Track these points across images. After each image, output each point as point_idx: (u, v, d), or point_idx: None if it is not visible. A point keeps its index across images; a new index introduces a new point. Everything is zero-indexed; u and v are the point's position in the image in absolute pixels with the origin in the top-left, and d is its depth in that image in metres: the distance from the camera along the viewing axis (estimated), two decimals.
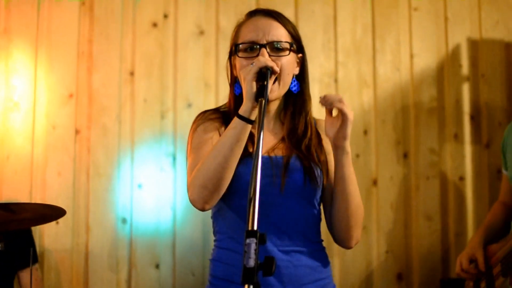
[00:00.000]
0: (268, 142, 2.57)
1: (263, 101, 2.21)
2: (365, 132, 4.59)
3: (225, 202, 2.53)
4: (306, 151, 2.54)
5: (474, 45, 4.72)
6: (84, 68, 4.49)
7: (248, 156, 2.47)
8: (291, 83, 2.56)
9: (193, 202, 2.42)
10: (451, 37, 4.71)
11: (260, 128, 2.05)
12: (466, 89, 4.69)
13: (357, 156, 4.55)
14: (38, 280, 4.04)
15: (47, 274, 4.32)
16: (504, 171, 3.86)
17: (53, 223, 4.31)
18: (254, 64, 2.35)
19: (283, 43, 2.51)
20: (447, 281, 4.39)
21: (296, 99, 2.62)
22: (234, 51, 2.58)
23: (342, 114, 2.36)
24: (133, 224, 4.42)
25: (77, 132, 4.44)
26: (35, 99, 4.45)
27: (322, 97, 2.38)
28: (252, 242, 1.78)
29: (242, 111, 2.33)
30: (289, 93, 2.60)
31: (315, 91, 4.51)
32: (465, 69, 4.70)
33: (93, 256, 4.37)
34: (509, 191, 3.86)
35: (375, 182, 4.57)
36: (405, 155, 4.61)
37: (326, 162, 2.58)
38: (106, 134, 4.45)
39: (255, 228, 1.83)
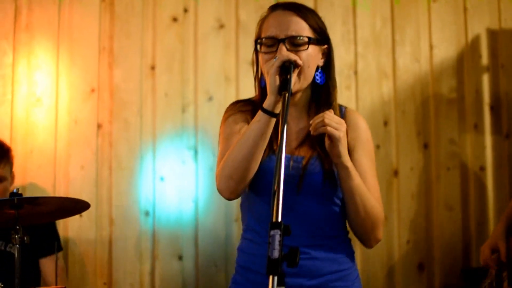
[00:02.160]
0: (293, 139, 2.60)
1: (286, 94, 2.24)
2: (385, 123, 4.60)
3: (250, 195, 2.60)
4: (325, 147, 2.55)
5: (494, 35, 4.71)
6: (105, 63, 4.53)
7: (273, 153, 2.51)
8: (316, 75, 2.58)
9: (220, 191, 2.49)
10: (470, 28, 4.71)
11: (284, 121, 2.08)
12: (485, 79, 4.69)
13: (378, 147, 4.56)
14: (60, 268, 4.08)
15: (72, 267, 4.37)
16: None
17: (77, 216, 4.34)
18: (277, 58, 2.38)
19: (301, 37, 2.52)
20: (468, 271, 4.39)
21: (322, 91, 2.63)
22: (256, 47, 2.61)
23: (328, 135, 2.41)
24: (156, 216, 4.45)
25: (99, 126, 4.48)
26: (57, 94, 4.49)
27: (310, 123, 2.44)
28: (277, 234, 1.82)
29: (266, 104, 2.37)
30: (315, 85, 2.62)
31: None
32: (484, 59, 4.70)
33: (116, 248, 4.42)
34: None
35: (396, 173, 4.58)
36: (426, 146, 4.62)
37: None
38: (128, 128, 4.49)
39: (279, 220, 1.86)
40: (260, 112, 2.39)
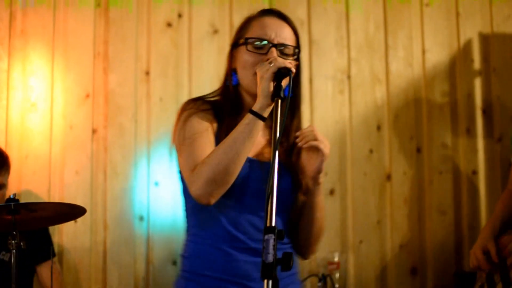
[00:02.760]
0: (258, 143, 2.56)
1: (279, 100, 2.25)
2: (378, 128, 4.63)
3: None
4: (295, 160, 2.56)
5: (486, 39, 4.74)
6: (100, 68, 4.54)
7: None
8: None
9: (199, 196, 2.36)
10: (462, 32, 4.74)
11: (280, 126, 2.10)
12: (478, 83, 4.72)
13: (371, 151, 4.58)
14: (56, 273, 4.08)
15: (66, 272, 4.38)
16: None
17: (72, 221, 4.33)
18: (273, 64, 2.37)
19: (293, 48, 2.55)
20: (461, 274, 4.41)
21: (291, 104, 2.57)
22: (241, 43, 2.59)
23: (318, 151, 2.42)
24: (150, 221, 4.46)
25: (94, 131, 4.49)
26: (52, 99, 4.50)
27: (298, 134, 2.46)
28: (271, 238, 1.84)
29: (256, 108, 2.35)
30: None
31: (329, 88, 4.59)
32: (476, 63, 4.73)
33: (111, 253, 4.42)
34: None
35: (388, 177, 4.60)
36: (418, 150, 4.64)
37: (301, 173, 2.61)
38: (123, 133, 4.50)
39: (273, 224, 1.88)
40: (249, 115, 2.36)
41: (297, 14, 4.60)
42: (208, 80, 4.53)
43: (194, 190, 2.37)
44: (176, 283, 2.61)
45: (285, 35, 2.55)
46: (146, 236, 4.45)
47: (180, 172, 2.55)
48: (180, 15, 4.60)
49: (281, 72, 2.35)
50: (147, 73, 4.56)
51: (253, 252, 2.46)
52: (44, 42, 4.54)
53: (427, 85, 4.69)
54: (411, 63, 4.69)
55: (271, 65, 2.36)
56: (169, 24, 4.59)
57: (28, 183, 4.42)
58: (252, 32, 2.57)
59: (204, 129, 2.51)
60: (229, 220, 2.48)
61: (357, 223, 4.58)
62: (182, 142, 2.50)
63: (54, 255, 4.17)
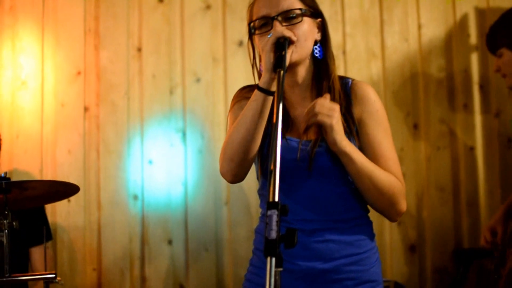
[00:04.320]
0: (301, 122, 2.51)
1: (281, 71, 2.19)
2: None
3: (262, 180, 2.61)
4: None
5: (482, 14, 4.68)
6: (91, 45, 4.48)
7: (283, 138, 2.46)
8: (315, 49, 2.54)
9: (222, 175, 2.46)
10: (458, 6, 4.67)
11: (280, 99, 2.03)
12: (474, 58, 4.66)
13: None
14: (49, 257, 4.04)
15: (60, 252, 4.33)
16: None
17: (65, 201, 4.32)
18: (271, 34, 2.33)
19: (294, 10, 2.48)
20: (460, 251, 4.38)
21: (321, 65, 2.58)
22: (250, 31, 2.56)
23: (321, 125, 2.38)
24: (145, 200, 4.42)
25: (86, 109, 4.43)
26: (43, 77, 4.44)
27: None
28: (274, 214, 1.78)
29: (261, 82, 2.32)
30: (316, 60, 2.57)
31: None
32: (473, 38, 4.67)
33: (105, 233, 4.38)
34: None
35: None
36: (415, 126, 4.59)
37: (356, 129, 2.53)
38: (115, 111, 4.44)
39: (276, 199, 1.83)
40: (256, 91, 2.34)
41: None
42: (201, 56, 4.47)
43: (220, 170, 2.47)
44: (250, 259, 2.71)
45: (284, 3, 2.48)
46: (141, 215, 4.41)
47: None
48: None
49: (280, 42, 2.30)
50: (139, 49, 4.49)
51: (302, 231, 2.45)
52: (34, 18, 4.47)
53: (423, 60, 4.63)
54: (407, 38, 4.63)
55: (269, 37, 2.32)
56: (160, 0, 4.51)
57: (20, 162, 4.37)
58: (255, 15, 2.54)
59: None
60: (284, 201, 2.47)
61: None
62: (229, 126, 2.60)
63: (50, 238, 4.12)
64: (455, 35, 4.65)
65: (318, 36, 2.57)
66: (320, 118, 2.34)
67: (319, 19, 2.58)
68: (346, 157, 2.40)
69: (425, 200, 4.55)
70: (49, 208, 4.30)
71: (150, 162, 4.41)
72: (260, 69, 2.55)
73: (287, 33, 2.34)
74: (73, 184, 3.16)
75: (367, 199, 2.50)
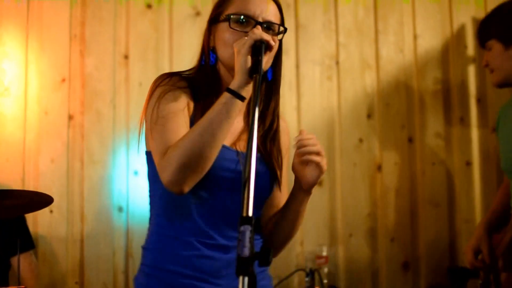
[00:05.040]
0: (235, 129, 2.40)
1: (258, 77, 2.06)
2: (369, 116, 4.46)
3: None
4: (270, 148, 2.45)
5: None
6: (77, 51, 4.34)
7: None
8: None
9: (170, 184, 2.16)
10: (455, 17, 4.58)
11: (255, 105, 1.89)
12: (472, 71, 4.56)
13: (361, 141, 4.43)
14: (33, 265, 3.92)
15: (41, 264, 4.17)
16: None
17: (47, 211, 4.17)
18: (249, 36, 2.20)
19: (277, 25, 2.37)
20: (455, 269, 4.25)
21: (267, 88, 2.47)
22: (222, 20, 2.40)
23: (317, 166, 2.30)
24: (130, 212, 4.28)
25: (70, 117, 4.29)
26: (27, 84, 4.29)
27: (297, 139, 2.30)
28: (247, 230, 1.64)
29: (234, 86, 2.16)
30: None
31: (316, 74, 4.42)
32: (470, 50, 4.57)
33: (88, 245, 4.23)
34: None
35: (379, 168, 4.44)
36: (410, 140, 4.48)
37: (280, 165, 2.51)
38: (100, 120, 4.30)
39: (250, 214, 1.68)
40: (226, 94, 2.17)
41: None
42: (189, 65, 4.27)
43: (165, 177, 2.16)
44: (136, 278, 2.45)
45: (270, 12, 2.37)
46: (126, 227, 4.27)
47: (147, 154, 2.38)
48: None
49: (259, 46, 2.17)
50: (126, 56, 4.36)
51: (222, 249, 2.32)
52: (18, 23, 4.33)
53: (419, 72, 4.53)
54: (402, 48, 4.52)
55: (247, 38, 2.18)
56: (149, 6, 4.40)
57: (1, 171, 4.22)
58: (234, 8, 2.37)
59: (180, 109, 2.31)
60: (200, 213, 2.31)
61: (347, 216, 4.42)
62: (155, 121, 2.30)
63: (32, 246, 3.99)
64: (452, 46, 4.56)
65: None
66: (323, 164, 2.31)
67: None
68: (307, 198, 2.43)
69: (420, 216, 4.44)
70: (30, 218, 4.14)
71: (136, 173, 4.28)
72: (211, 58, 2.42)
73: (266, 36, 2.20)
74: (46, 195, 3.02)
75: (281, 235, 2.53)
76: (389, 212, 4.45)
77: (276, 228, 2.52)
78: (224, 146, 2.29)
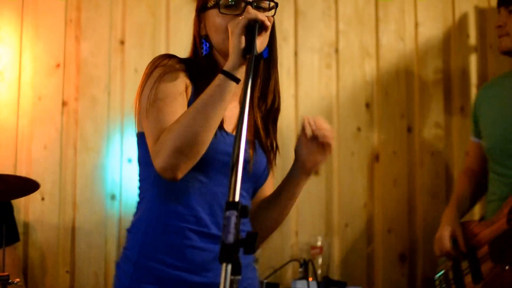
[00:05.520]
0: (234, 114, 2.32)
1: (252, 57, 1.99)
2: (367, 105, 4.40)
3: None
4: (272, 131, 2.41)
5: (482, 14, 4.51)
6: (72, 36, 4.27)
7: (220, 130, 2.25)
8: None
9: (163, 169, 2.07)
10: (458, 5, 4.50)
11: (246, 87, 1.83)
12: (473, 60, 4.49)
13: (359, 129, 4.37)
14: (16, 259, 3.83)
15: (32, 252, 4.12)
16: (473, 138, 3.73)
17: (39, 199, 4.11)
18: (243, 16, 2.13)
19: (268, 1, 2.29)
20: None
21: (265, 65, 2.39)
22: (211, 6, 2.33)
23: (326, 147, 2.25)
24: (123, 200, 4.21)
25: (64, 103, 4.22)
26: (21, 69, 4.22)
27: (311, 121, 2.23)
28: (233, 215, 1.57)
29: (228, 67, 2.08)
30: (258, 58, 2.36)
31: (315, 61, 4.35)
32: (472, 39, 4.50)
33: (80, 234, 4.17)
34: (478, 158, 3.72)
35: (377, 158, 4.38)
36: (409, 129, 4.41)
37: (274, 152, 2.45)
38: (95, 106, 4.24)
39: (237, 199, 1.62)
40: (220, 76, 2.09)
41: None
42: (186, 50, 4.20)
43: (158, 163, 2.08)
44: (118, 264, 2.33)
45: None
46: (118, 216, 4.21)
47: (139, 135, 2.29)
48: None
49: (253, 26, 2.10)
50: (122, 42, 4.30)
51: (213, 239, 2.23)
52: (13, 7, 4.26)
53: (419, 60, 4.46)
54: (403, 37, 4.45)
55: (241, 18, 2.11)
56: None
57: None
58: None
59: (178, 92, 2.22)
60: (197, 198, 2.23)
61: (343, 206, 4.36)
62: (152, 103, 2.19)
63: (17, 239, 3.91)
64: (453, 35, 4.49)
65: None
66: (333, 144, 2.27)
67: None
68: (305, 181, 2.38)
69: (417, 206, 4.39)
70: (21, 205, 4.09)
71: (130, 160, 4.21)
72: (204, 47, 2.34)
73: (261, 16, 2.12)
74: (32, 180, 2.95)
75: (271, 218, 2.46)
76: (387, 202, 4.38)
77: (264, 213, 2.44)
78: (224, 131, 2.25)
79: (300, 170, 2.33)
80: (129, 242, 2.31)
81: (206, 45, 2.35)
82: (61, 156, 4.20)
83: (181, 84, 2.25)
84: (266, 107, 2.40)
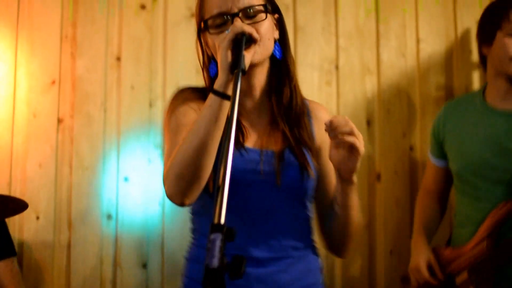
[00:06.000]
0: (258, 129, 2.28)
1: (239, 72, 1.92)
2: (368, 123, 4.31)
3: (210, 198, 2.23)
4: (297, 136, 2.30)
5: None
6: (68, 52, 4.22)
7: (241, 148, 2.20)
8: (274, 48, 2.29)
9: (170, 196, 2.09)
10: (460, 21, 4.42)
11: (233, 102, 1.76)
12: (476, 77, 4.40)
13: None
14: (14, 272, 3.77)
15: (26, 272, 4.04)
16: (433, 159, 3.73)
17: (33, 217, 4.05)
18: (229, 30, 2.06)
19: (256, 6, 2.22)
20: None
21: (280, 66, 2.34)
22: (203, 28, 2.29)
23: (351, 148, 2.12)
24: (119, 220, 4.14)
25: (59, 121, 4.16)
26: (15, 85, 4.17)
27: (328, 122, 2.12)
28: (217, 238, 1.49)
29: (217, 85, 2.03)
30: (273, 62, 2.32)
31: (315, 78, 4.28)
32: (475, 55, 4.39)
33: (75, 253, 4.09)
34: (438, 179, 3.73)
35: (378, 177, 4.29)
36: (411, 148, 4.33)
37: (317, 153, 2.35)
38: (91, 123, 4.17)
39: (222, 221, 1.54)
40: (211, 96, 2.04)
41: None
42: (183, 67, 4.21)
43: (166, 190, 2.10)
44: None
45: None
46: (114, 236, 4.13)
47: None
48: None
49: (239, 39, 2.03)
50: (118, 58, 4.23)
51: (255, 262, 2.20)
52: (7, 22, 4.21)
53: (421, 77, 4.37)
54: (404, 53, 4.37)
55: (228, 32, 2.04)
56: (143, 6, 4.26)
57: None
58: (208, 11, 2.26)
59: (189, 121, 2.23)
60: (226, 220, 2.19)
61: None
62: (167, 134, 2.27)
63: (13, 253, 3.85)
64: (456, 51, 4.40)
65: (276, 34, 2.34)
66: (358, 143, 2.12)
67: (276, 15, 2.35)
68: (351, 187, 2.22)
69: None
70: (16, 224, 4.03)
71: (126, 179, 4.13)
72: (210, 72, 2.29)
73: (248, 29, 2.06)
74: (21, 200, 2.89)
75: (337, 232, 2.33)
76: (389, 223, 4.29)
77: (328, 225, 2.37)
78: (244, 147, 2.22)
79: (339, 180, 2.23)
80: (185, 268, 2.47)
81: (214, 66, 2.34)
82: (56, 174, 4.13)
83: (192, 114, 2.26)
84: (280, 103, 2.34)
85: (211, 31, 2.23)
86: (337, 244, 2.39)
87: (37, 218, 4.08)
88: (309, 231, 2.39)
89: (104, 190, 4.16)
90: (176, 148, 2.09)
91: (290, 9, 4.31)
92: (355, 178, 2.22)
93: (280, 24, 2.35)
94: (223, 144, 1.66)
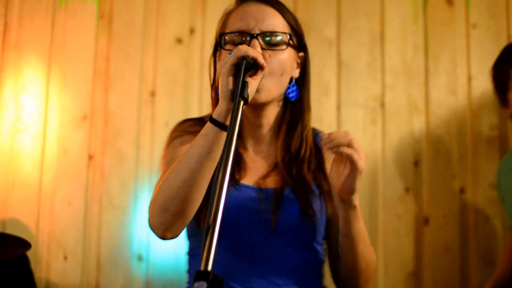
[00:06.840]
0: (259, 167, 2.10)
1: (236, 100, 1.72)
2: (416, 164, 4.10)
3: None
4: (299, 177, 2.09)
5: None
6: (101, 87, 4.12)
7: (235, 184, 2.00)
8: (289, 88, 2.09)
9: (152, 227, 1.92)
10: None
11: (230, 134, 1.56)
12: None
13: (407, 190, 4.07)
14: None
15: None
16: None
17: (61, 258, 3.95)
18: (232, 53, 1.86)
19: (279, 33, 2.03)
20: None
21: (293, 109, 2.15)
22: (219, 43, 2.10)
23: (350, 162, 1.90)
24: (150, 261, 4.00)
25: (90, 157, 4.05)
26: (46, 120, 4.09)
27: (325, 136, 1.91)
28: (202, 287, 1.29)
29: (216, 113, 1.83)
30: (286, 103, 2.13)
31: (359, 117, 4.09)
32: None
33: None
34: None
35: (426, 221, 4.07)
36: (462, 191, 4.10)
37: (329, 192, 2.12)
38: (122, 161, 4.06)
39: (209, 267, 1.33)
40: (208, 124, 1.85)
41: (325, 32, 4.14)
42: None
43: (149, 219, 1.93)
44: None
45: (269, 21, 2.05)
46: (145, 278, 3.98)
47: None
48: (192, 30, 4.16)
49: (240, 64, 1.83)
50: (153, 93, 4.12)
51: None
52: (40, 55, 4.15)
53: (473, 116, 4.16)
54: (454, 91, 4.17)
55: (230, 56, 1.84)
56: (179, 40, 4.15)
57: (15, 213, 4.02)
58: (229, 27, 2.09)
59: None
60: (221, 265, 2.00)
61: (390, 274, 4.05)
62: (162, 166, 2.16)
63: None
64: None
65: (296, 73, 2.15)
66: (356, 156, 1.88)
67: (302, 53, 2.16)
68: (354, 212, 2.00)
69: (471, 274, 4.04)
70: (43, 263, 3.92)
71: None
72: (217, 94, 2.09)
73: (253, 53, 1.84)
74: (22, 239, 2.75)
75: (346, 270, 2.10)
76: (438, 270, 4.06)
77: (340, 263, 2.17)
78: (243, 185, 2.06)
79: (341, 203, 2.01)
80: None
81: None
82: (85, 213, 4.02)
83: (185, 146, 2.10)
84: (287, 153, 2.15)
85: (227, 47, 2.05)
86: (347, 285, 2.17)
87: (65, 258, 3.97)
88: (317, 276, 2.18)
89: (135, 230, 4.02)
90: (163, 178, 1.92)
91: (333, 44, 4.15)
92: (356, 201, 2.00)
93: (303, 64, 2.17)
94: (215, 179, 1.46)
